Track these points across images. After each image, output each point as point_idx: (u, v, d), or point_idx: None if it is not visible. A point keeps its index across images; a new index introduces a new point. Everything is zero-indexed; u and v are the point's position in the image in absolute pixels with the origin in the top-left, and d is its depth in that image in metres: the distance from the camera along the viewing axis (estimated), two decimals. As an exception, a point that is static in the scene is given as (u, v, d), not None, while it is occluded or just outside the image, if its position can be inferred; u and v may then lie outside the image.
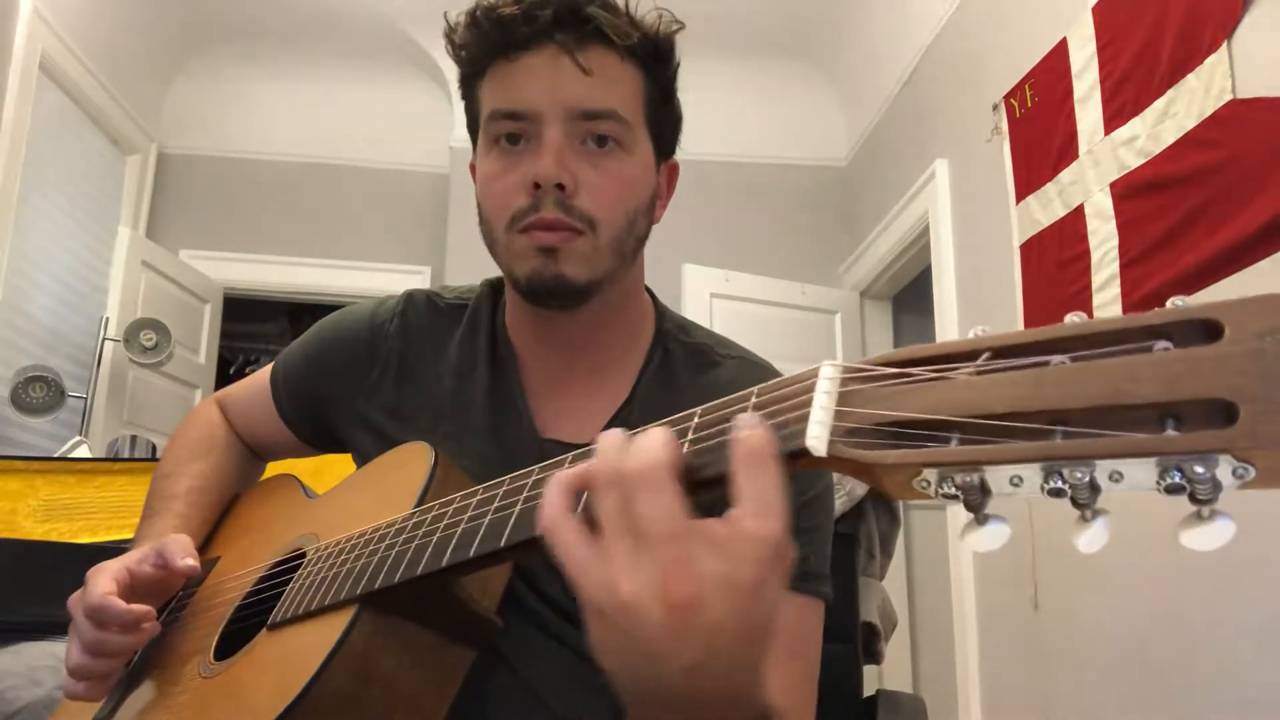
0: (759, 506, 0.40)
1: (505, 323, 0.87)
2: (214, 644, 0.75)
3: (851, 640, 1.14)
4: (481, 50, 0.78)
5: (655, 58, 0.80)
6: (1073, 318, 0.36)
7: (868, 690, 1.13)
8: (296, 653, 0.64)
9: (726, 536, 0.40)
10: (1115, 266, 2.06)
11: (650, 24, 0.79)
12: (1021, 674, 2.42)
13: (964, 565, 2.76)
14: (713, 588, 0.40)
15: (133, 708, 0.77)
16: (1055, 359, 0.35)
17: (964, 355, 0.38)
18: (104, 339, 3.46)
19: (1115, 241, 2.06)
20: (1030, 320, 2.42)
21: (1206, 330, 0.34)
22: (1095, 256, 2.13)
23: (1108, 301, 2.08)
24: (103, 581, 0.75)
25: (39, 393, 3.02)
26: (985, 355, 0.37)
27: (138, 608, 0.74)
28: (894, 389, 0.39)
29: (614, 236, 0.77)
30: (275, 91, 4.23)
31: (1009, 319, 2.52)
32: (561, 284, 0.75)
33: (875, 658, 1.25)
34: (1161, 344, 0.34)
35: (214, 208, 4.17)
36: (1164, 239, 1.90)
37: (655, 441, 0.43)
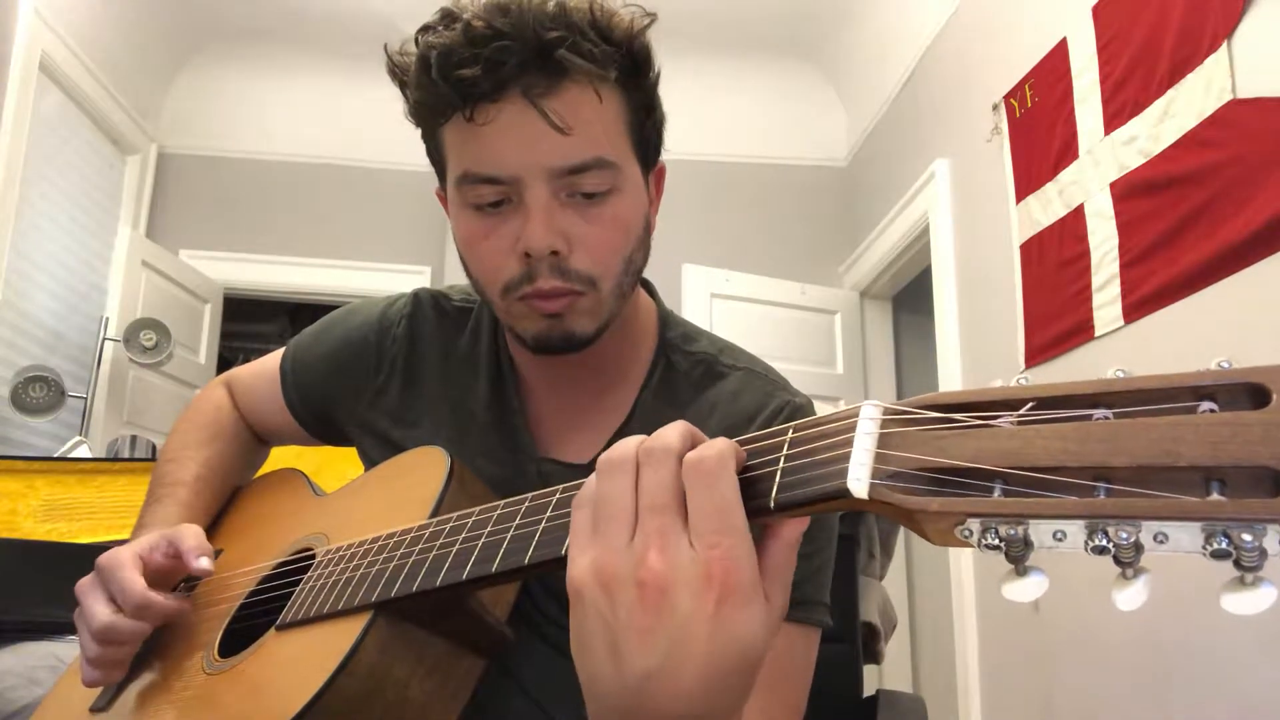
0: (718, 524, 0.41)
1: (507, 337, 0.85)
2: (218, 640, 0.75)
3: (851, 640, 1.14)
4: (439, 108, 0.71)
5: (634, 74, 0.73)
6: (1115, 372, 0.36)
7: (868, 690, 1.13)
8: (308, 656, 0.63)
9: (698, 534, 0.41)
10: (1115, 266, 2.05)
11: (621, 30, 0.70)
12: (1021, 674, 2.42)
13: (964, 565, 2.76)
14: (683, 579, 0.40)
15: (132, 699, 0.77)
16: (1098, 413, 0.35)
17: (1007, 404, 0.37)
18: (104, 339, 3.45)
19: (1115, 241, 2.06)
20: (1030, 321, 2.42)
21: (1252, 394, 0.33)
22: (1095, 256, 2.13)
23: (1108, 301, 2.07)
24: (133, 574, 0.74)
25: (39, 393, 3.02)
26: (1029, 405, 0.37)
27: (178, 603, 0.75)
28: (935, 434, 0.38)
29: (615, 285, 0.74)
30: (275, 91, 4.22)
31: (1009, 319, 2.52)
32: (571, 341, 0.73)
33: (875, 658, 1.25)
34: (1206, 405, 0.34)
35: (214, 208, 4.16)
36: (1164, 239, 1.90)
37: (671, 428, 0.44)
